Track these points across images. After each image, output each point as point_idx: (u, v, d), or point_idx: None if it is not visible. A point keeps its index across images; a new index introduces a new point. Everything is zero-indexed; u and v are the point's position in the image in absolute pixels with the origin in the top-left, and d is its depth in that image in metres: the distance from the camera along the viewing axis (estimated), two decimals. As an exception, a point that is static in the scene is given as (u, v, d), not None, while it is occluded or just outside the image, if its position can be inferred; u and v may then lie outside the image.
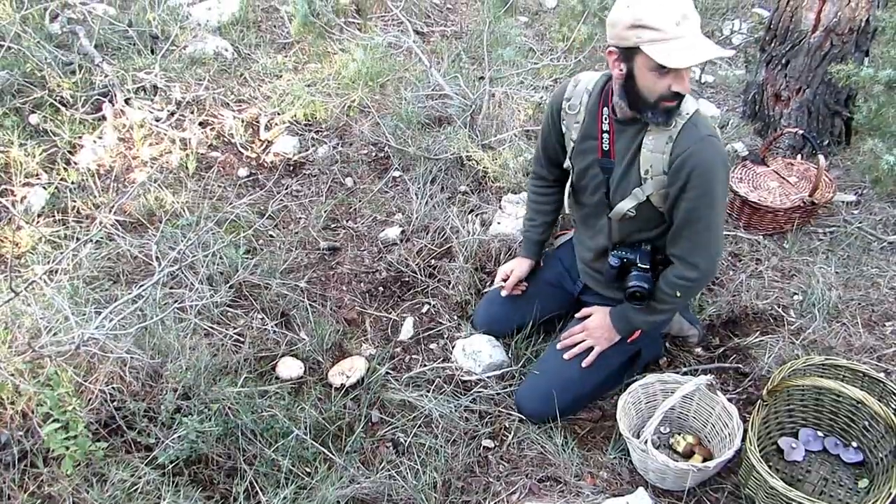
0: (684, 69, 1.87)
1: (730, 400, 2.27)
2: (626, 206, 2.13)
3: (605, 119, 2.10)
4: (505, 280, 2.56)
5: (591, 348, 2.33)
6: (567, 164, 2.30)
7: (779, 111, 3.57)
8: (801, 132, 3.21)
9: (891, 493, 1.84)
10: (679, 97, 1.95)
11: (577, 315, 2.43)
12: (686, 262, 2.11)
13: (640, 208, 2.12)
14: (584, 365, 2.31)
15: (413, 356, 2.61)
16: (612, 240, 2.26)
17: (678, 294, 2.15)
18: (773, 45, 3.53)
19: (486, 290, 2.74)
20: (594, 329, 2.34)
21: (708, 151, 1.95)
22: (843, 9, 3.22)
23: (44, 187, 3.07)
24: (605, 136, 2.13)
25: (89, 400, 2.10)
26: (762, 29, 3.76)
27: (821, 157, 2.95)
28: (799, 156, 3.43)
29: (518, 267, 2.57)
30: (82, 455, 1.97)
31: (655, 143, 2.01)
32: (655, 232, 2.20)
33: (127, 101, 3.54)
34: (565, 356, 2.33)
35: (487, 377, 2.48)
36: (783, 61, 3.47)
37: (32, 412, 2.02)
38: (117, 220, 2.94)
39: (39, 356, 2.04)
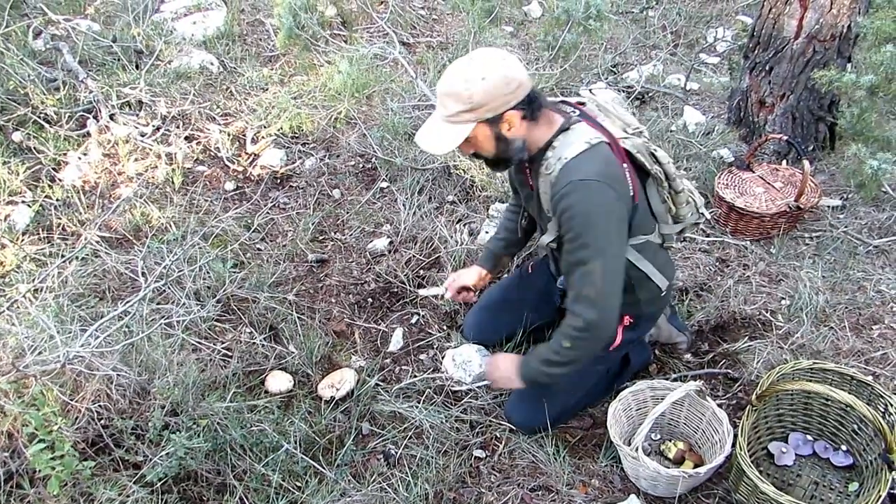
0: None
1: (719, 405, 2.28)
2: (546, 239, 2.13)
3: None
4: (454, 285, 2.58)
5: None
6: None
7: (763, 117, 3.60)
8: (785, 138, 3.23)
9: (880, 496, 1.85)
10: (479, 156, 2.04)
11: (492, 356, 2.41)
12: (571, 310, 2.03)
13: (559, 242, 2.09)
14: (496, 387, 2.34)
15: (403, 367, 2.60)
16: (556, 266, 2.28)
17: (566, 345, 2.03)
18: (756, 51, 3.55)
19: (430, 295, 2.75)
20: (499, 367, 2.30)
21: (577, 195, 1.90)
22: (825, 15, 3.25)
23: (28, 205, 3.06)
24: (527, 169, 2.17)
25: (75, 419, 2.08)
26: (746, 36, 3.79)
27: (806, 162, 2.97)
28: (784, 161, 3.46)
29: (466, 273, 2.57)
30: (69, 475, 1.94)
31: (543, 185, 2.03)
32: None
33: (112, 116, 3.54)
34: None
35: (477, 387, 2.48)
36: (767, 68, 3.49)
37: (18, 432, 2.00)
38: (103, 237, 2.93)
39: (24, 375, 2.02)
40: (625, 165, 1.98)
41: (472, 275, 2.56)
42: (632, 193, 1.98)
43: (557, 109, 2.05)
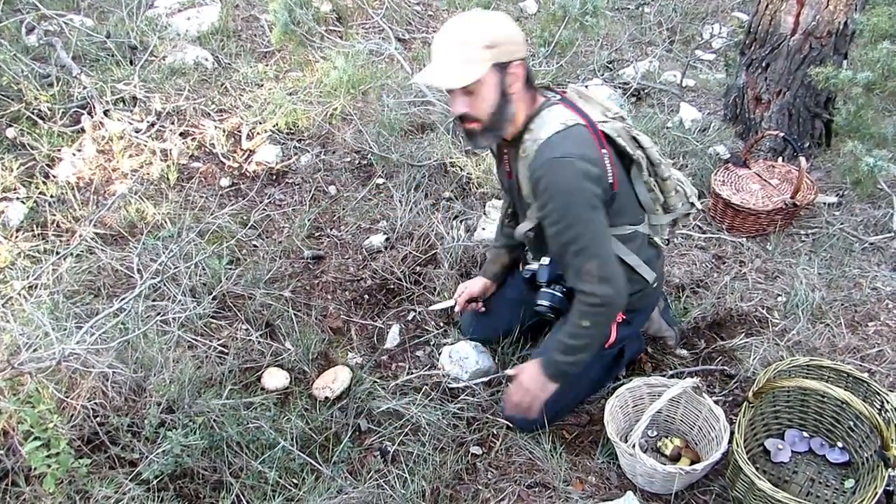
0: (455, 92, 1.93)
1: (716, 402, 2.28)
2: (524, 227, 2.13)
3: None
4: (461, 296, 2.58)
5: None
6: None
7: (759, 114, 3.60)
8: (781, 135, 3.24)
9: (876, 493, 1.85)
10: (469, 119, 1.97)
11: (508, 372, 2.34)
12: (579, 290, 2.02)
13: (538, 229, 2.10)
14: (529, 418, 2.24)
15: (399, 364, 2.60)
16: (530, 254, 2.30)
17: (585, 323, 2.02)
18: (752, 48, 3.56)
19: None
20: (525, 382, 2.23)
21: (555, 173, 1.90)
22: (822, 12, 3.25)
23: (22, 201, 3.04)
24: (505, 156, 2.16)
25: (71, 416, 2.07)
26: (742, 33, 3.79)
27: (802, 159, 2.97)
28: (780, 158, 3.46)
29: (471, 285, 2.57)
30: (65, 472, 1.94)
31: (521, 169, 2.03)
32: None
33: (106, 112, 3.52)
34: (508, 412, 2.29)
35: (474, 384, 2.47)
36: (763, 64, 3.50)
37: (13, 430, 1.99)
38: (98, 233, 2.91)
39: (19, 373, 2.01)
40: (604, 151, 1.97)
41: (477, 286, 2.56)
42: (611, 180, 1.97)
43: (540, 92, 2.06)
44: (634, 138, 2.08)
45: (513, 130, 2.02)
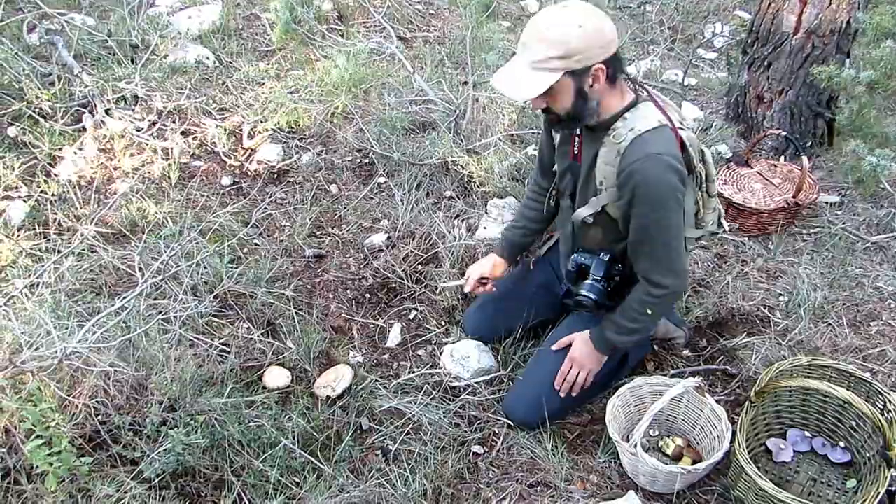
0: None
1: (718, 402, 2.27)
2: (584, 212, 2.14)
3: None
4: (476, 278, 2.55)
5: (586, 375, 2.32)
6: (555, 167, 2.31)
7: (761, 113, 3.60)
8: (783, 134, 3.23)
9: (878, 493, 1.85)
10: (550, 112, 2.02)
11: (554, 348, 2.35)
12: (650, 280, 2.10)
13: (598, 217, 2.12)
14: (581, 386, 2.30)
15: (401, 363, 2.60)
16: (575, 244, 2.28)
17: (648, 311, 2.13)
18: (755, 47, 3.55)
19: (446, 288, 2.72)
20: (580, 358, 2.29)
21: (653, 169, 1.92)
22: (824, 11, 3.24)
23: (23, 200, 3.04)
24: (577, 139, 2.16)
25: (73, 415, 2.07)
26: (744, 31, 3.78)
27: (804, 158, 2.97)
28: (782, 157, 3.46)
29: (484, 263, 2.55)
30: (66, 471, 1.94)
31: (607, 156, 2.02)
32: (614, 238, 2.18)
33: (107, 111, 3.51)
34: (562, 394, 2.31)
35: (476, 382, 2.47)
36: (765, 63, 3.49)
37: (15, 428, 1.99)
38: (99, 232, 2.91)
39: (21, 371, 2.00)
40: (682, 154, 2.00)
41: (487, 264, 2.54)
42: None
43: (638, 84, 2.07)
44: (701, 151, 2.10)
45: (599, 119, 2.03)
